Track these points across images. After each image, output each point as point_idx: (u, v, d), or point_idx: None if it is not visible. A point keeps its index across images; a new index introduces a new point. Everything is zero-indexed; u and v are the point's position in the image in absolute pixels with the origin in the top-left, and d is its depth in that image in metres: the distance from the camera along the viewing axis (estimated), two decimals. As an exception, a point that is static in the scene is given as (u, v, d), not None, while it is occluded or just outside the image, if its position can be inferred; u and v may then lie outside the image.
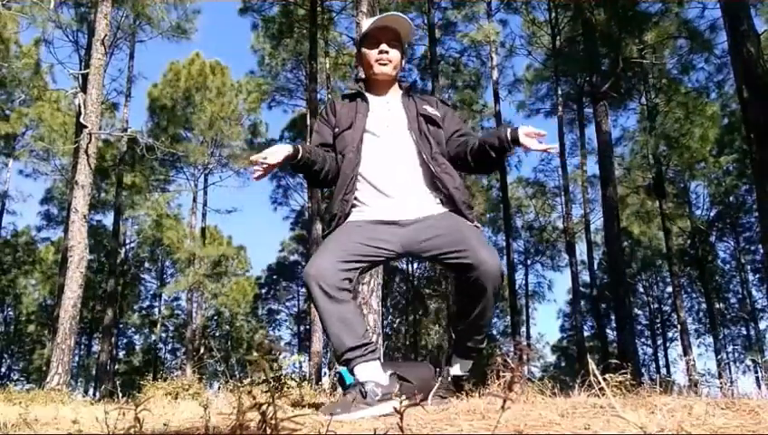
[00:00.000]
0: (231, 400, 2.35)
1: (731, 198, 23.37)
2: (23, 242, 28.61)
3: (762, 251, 21.16)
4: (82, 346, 29.90)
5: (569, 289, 26.31)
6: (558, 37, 18.66)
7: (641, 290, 29.61)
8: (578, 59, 16.73)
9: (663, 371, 27.89)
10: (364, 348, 2.04)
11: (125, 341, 31.73)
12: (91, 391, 23.91)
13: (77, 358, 28.29)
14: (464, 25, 19.48)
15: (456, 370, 2.30)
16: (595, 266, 20.48)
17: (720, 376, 15.07)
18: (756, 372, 24.38)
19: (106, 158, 20.99)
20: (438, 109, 2.44)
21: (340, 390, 2.33)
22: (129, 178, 20.99)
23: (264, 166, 2.21)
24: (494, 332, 31.05)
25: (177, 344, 31.32)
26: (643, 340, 29.73)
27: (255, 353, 1.11)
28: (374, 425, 1.51)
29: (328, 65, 19.06)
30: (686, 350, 19.21)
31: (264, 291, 31.94)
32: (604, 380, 1.53)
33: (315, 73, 15.15)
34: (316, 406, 2.28)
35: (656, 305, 30.25)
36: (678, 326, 20.36)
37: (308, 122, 16.22)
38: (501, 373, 2.24)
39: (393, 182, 2.25)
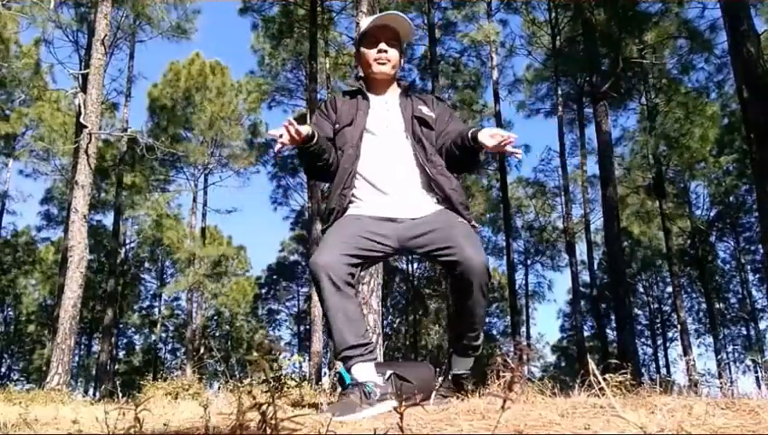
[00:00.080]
0: (231, 400, 2.35)
1: (731, 198, 23.37)
2: (23, 242, 28.61)
3: (762, 251, 21.16)
4: (82, 346, 29.90)
5: (569, 289, 26.34)
6: (558, 37, 18.66)
7: (641, 290, 29.61)
8: (578, 59, 16.73)
9: (663, 371, 27.92)
10: (364, 348, 2.04)
11: (125, 341, 31.75)
12: (91, 391, 23.92)
13: (77, 358, 28.31)
14: (464, 25, 19.50)
15: (456, 368, 2.31)
16: (595, 266, 20.48)
17: (720, 376, 15.07)
18: (756, 372, 24.38)
19: (106, 158, 20.99)
20: (434, 108, 2.44)
21: (340, 389, 2.33)
22: (129, 178, 20.99)
23: (286, 140, 2.14)
24: (494, 332, 31.09)
25: (177, 344, 31.34)
26: (643, 340, 29.74)
27: (255, 353, 1.11)
28: (374, 425, 1.50)
29: (328, 65, 19.05)
30: (686, 350, 19.21)
31: (264, 291, 31.95)
32: (604, 380, 1.53)
33: (315, 73, 15.15)
34: (316, 406, 2.28)
35: (656, 305, 30.26)
36: (678, 326, 20.36)
37: (308, 122, 16.21)
38: (501, 373, 2.24)
39: (391, 181, 2.26)
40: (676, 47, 17.29)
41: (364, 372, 2.00)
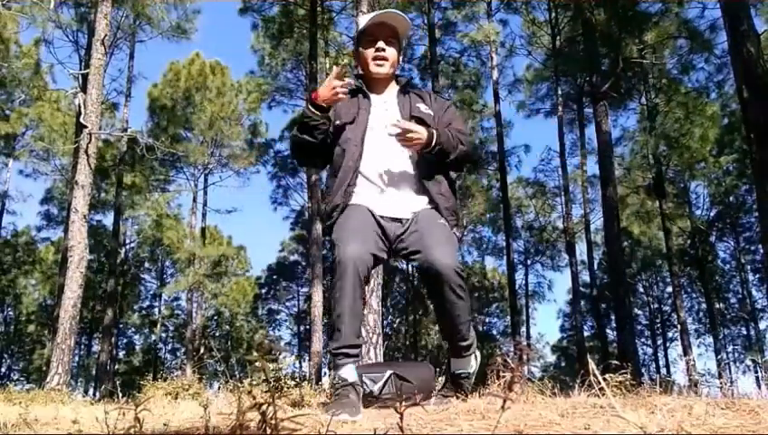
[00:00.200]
0: (231, 400, 2.35)
1: (731, 198, 23.36)
2: (23, 242, 28.61)
3: (762, 251, 21.16)
4: (82, 346, 29.89)
5: (569, 289, 26.32)
6: (558, 37, 18.65)
7: (641, 290, 29.60)
8: (578, 59, 16.72)
9: (663, 371, 27.91)
10: (358, 350, 2.06)
11: (125, 341, 31.74)
12: (91, 391, 23.92)
13: (77, 358, 28.30)
14: (464, 25, 19.49)
15: (454, 368, 2.33)
16: (595, 266, 20.47)
17: (720, 376, 15.08)
18: (756, 372, 24.38)
19: (106, 158, 20.98)
20: (433, 105, 2.44)
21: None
22: (129, 178, 20.98)
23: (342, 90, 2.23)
24: (494, 332, 31.09)
25: (177, 344, 31.33)
26: (643, 340, 29.73)
27: (255, 353, 1.11)
28: (374, 425, 1.50)
29: (328, 65, 19.03)
30: (686, 350, 19.21)
31: (264, 291, 31.94)
32: (604, 380, 1.53)
33: (315, 73, 15.14)
34: (316, 406, 2.28)
35: (656, 305, 30.25)
36: (678, 326, 20.35)
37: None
38: (501, 373, 2.25)
39: (387, 181, 2.29)
40: (676, 47, 17.28)
41: (353, 374, 2.01)
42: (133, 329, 31.43)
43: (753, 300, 27.07)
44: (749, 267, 26.34)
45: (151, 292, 30.52)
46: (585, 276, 24.12)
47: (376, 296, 5.36)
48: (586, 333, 23.14)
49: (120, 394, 3.11)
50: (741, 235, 25.10)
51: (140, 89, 45.32)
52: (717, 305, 26.48)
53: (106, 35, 10.69)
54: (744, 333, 28.48)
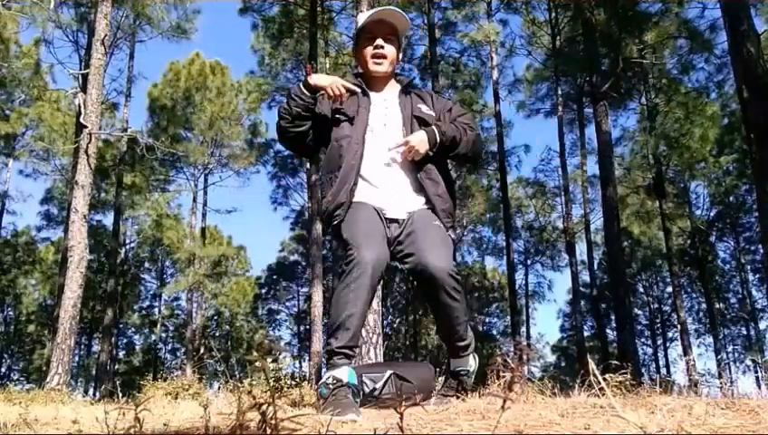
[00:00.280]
0: (231, 400, 2.35)
1: (731, 198, 23.36)
2: (23, 242, 28.61)
3: (762, 251, 21.16)
4: (82, 346, 29.90)
5: (569, 289, 26.32)
6: (558, 37, 18.65)
7: (641, 290, 29.60)
8: (578, 59, 16.72)
9: (663, 371, 27.91)
10: (354, 352, 2.06)
11: (125, 341, 31.74)
12: (91, 391, 23.92)
13: (77, 358, 28.30)
14: (464, 25, 19.48)
15: (453, 367, 2.34)
16: (595, 266, 20.47)
17: (720, 376, 15.08)
18: (756, 372, 24.39)
19: (106, 158, 20.98)
20: (434, 105, 2.44)
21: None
22: (129, 178, 20.99)
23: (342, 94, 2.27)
24: (494, 332, 31.09)
25: (177, 344, 31.33)
26: (643, 340, 29.74)
27: (255, 353, 1.11)
28: (374, 425, 1.50)
29: (328, 65, 19.03)
30: (686, 350, 19.21)
31: (264, 291, 31.94)
32: (604, 380, 1.53)
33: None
34: (316, 406, 2.28)
35: (656, 305, 30.25)
36: (678, 326, 20.35)
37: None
38: (501, 373, 2.24)
39: (386, 180, 2.28)
40: (676, 47, 17.28)
41: (347, 376, 2.00)
42: (133, 329, 31.44)
43: (753, 300, 27.10)
44: (749, 267, 26.36)
45: (151, 292, 30.55)
46: (585, 276, 24.15)
47: (376, 296, 5.37)
48: (586, 333, 23.15)
49: (120, 394, 3.11)
50: (741, 235, 25.11)
51: (140, 89, 45.37)
52: (717, 305, 26.48)
53: (106, 35, 10.69)
54: (744, 333, 28.50)
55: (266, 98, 21.47)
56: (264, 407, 1.08)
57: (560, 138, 19.34)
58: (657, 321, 30.12)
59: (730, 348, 29.06)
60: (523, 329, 26.53)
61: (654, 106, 18.69)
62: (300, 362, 28.19)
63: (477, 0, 19.01)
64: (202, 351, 20.27)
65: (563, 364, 33.34)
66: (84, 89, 10.51)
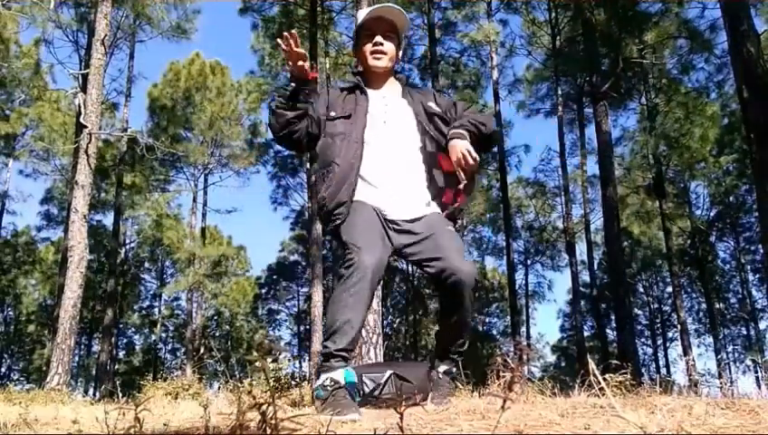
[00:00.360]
0: (231, 400, 2.35)
1: (731, 198, 23.37)
2: (23, 242, 28.61)
3: (762, 251, 21.16)
4: (82, 346, 29.90)
5: (569, 289, 26.33)
6: (558, 37, 18.65)
7: (641, 290, 29.60)
8: (578, 59, 16.72)
9: (663, 371, 27.90)
10: (351, 354, 2.05)
11: (125, 341, 31.75)
12: (91, 391, 23.92)
13: (77, 358, 28.30)
14: (464, 25, 19.47)
15: (440, 368, 2.31)
16: (595, 266, 20.47)
17: (720, 376, 15.08)
18: (756, 372, 24.40)
19: (106, 158, 20.98)
20: (438, 101, 2.44)
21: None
22: (129, 178, 20.99)
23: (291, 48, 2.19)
24: (494, 332, 31.09)
25: (177, 344, 31.33)
26: (643, 340, 29.74)
27: (255, 353, 1.11)
28: (374, 425, 1.50)
29: (328, 65, 19.04)
30: (686, 350, 19.21)
31: (264, 291, 31.94)
32: (604, 380, 1.53)
33: (315, 73, 15.14)
34: (316, 407, 2.28)
35: (656, 305, 30.25)
36: (678, 326, 20.36)
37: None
38: (501, 373, 2.24)
39: (386, 180, 2.25)
40: (676, 47, 17.28)
41: (343, 378, 2.00)
42: (133, 329, 31.44)
43: (753, 300, 27.11)
44: (749, 267, 26.36)
45: (151, 292, 30.55)
46: (585, 276, 24.15)
47: (376, 296, 5.36)
48: (586, 333, 23.15)
49: (120, 394, 3.11)
50: (741, 235, 25.11)
51: (140, 89, 45.35)
52: (717, 305, 26.48)
53: (106, 35, 10.69)
54: (744, 333, 28.50)
55: (266, 98, 21.47)
56: (264, 407, 1.08)
57: (560, 138, 19.35)
58: (657, 321, 30.12)
59: (730, 348, 29.09)
60: (523, 329, 26.53)
61: (654, 106, 18.69)
62: (300, 362, 28.20)
63: (477, 0, 19.02)
64: (202, 351, 20.27)
65: (563, 364, 33.34)
66: (84, 89, 10.51)
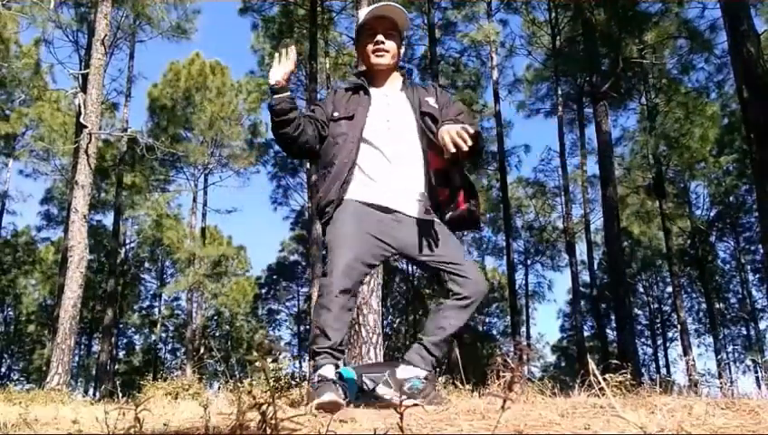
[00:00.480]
0: (231, 400, 2.35)
1: (731, 198, 23.36)
2: (23, 242, 28.61)
3: (762, 251, 21.16)
4: (82, 346, 29.90)
5: (569, 289, 26.32)
6: (558, 37, 18.65)
7: (641, 290, 29.60)
8: (578, 59, 16.73)
9: (663, 371, 27.90)
10: (342, 356, 2.09)
11: (125, 341, 31.74)
12: (91, 391, 23.92)
13: (77, 358, 28.30)
14: (464, 25, 19.48)
15: (401, 373, 2.15)
16: (595, 266, 20.48)
17: (720, 376, 15.06)
18: (756, 372, 24.38)
19: (106, 158, 20.98)
20: (439, 98, 2.44)
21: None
22: (129, 178, 20.99)
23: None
24: (494, 332, 31.09)
25: (177, 344, 31.33)
26: (643, 340, 29.73)
27: (255, 353, 1.11)
28: (374, 425, 1.50)
29: (328, 65, 19.05)
30: (686, 350, 19.21)
31: (264, 291, 31.94)
32: (604, 380, 1.53)
33: (315, 73, 15.14)
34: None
35: (656, 305, 30.25)
36: (678, 326, 20.36)
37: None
38: (501, 373, 2.24)
39: (386, 175, 2.27)
40: (676, 47, 17.29)
41: (333, 374, 2.03)
42: (133, 329, 31.44)
43: (753, 300, 27.10)
44: (749, 267, 26.35)
45: (151, 292, 30.55)
46: (585, 276, 24.15)
47: (376, 296, 5.36)
48: (586, 333, 23.15)
49: (120, 394, 3.11)
50: (741, 235, 25.10)
51: (140, 89, 45.38)
52: (717, 305, 26.48)
53: (106, 35, 10.69)
54: (744, 333, 28.49)
55: (266, 98, 21.30)
56: (264, 407, 1.08)
57: (560, 138, 19.36)
58: (657, 321, 30.12)
59: (730, 348, 29.08)
60: (523, 329, 26.53)
61: (654, 106, 18.69)
62: (300, 362, 28.19)
63: (477, 0, 19.01)
64: (202, 351, 20.27)
65: (563, 364, 33.34)
66: (84, 89, 10.52)
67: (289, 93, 2.29)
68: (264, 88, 21.22)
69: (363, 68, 2.53)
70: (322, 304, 2.07)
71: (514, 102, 21.45)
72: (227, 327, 31.62)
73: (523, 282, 27.19)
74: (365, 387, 2.22)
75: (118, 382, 18.22)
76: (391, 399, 2.08)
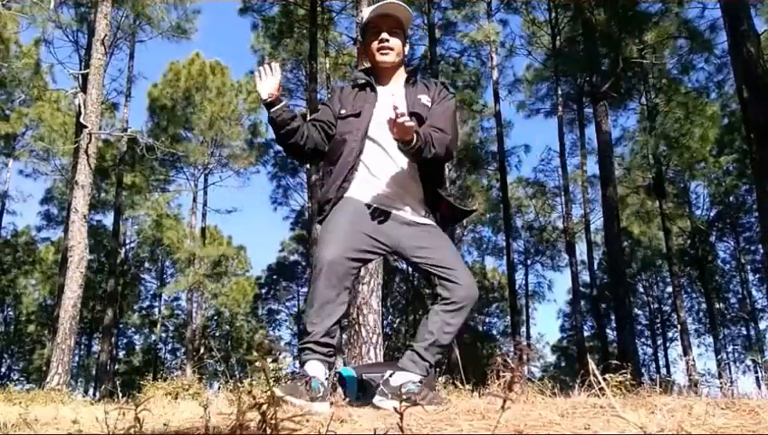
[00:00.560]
0: (231, 400, 2.35)
1: (731, 198, 23.36)
2: (23, 242, 28.61)
3: (762, 251, 21.16)
4: (82, 346, 29.89)
5: (569, 289, 26.32)
6: (558, 37, 18.65)
7: (641, 290, 29.59)
8: (578, 59, 16.73)
9: (663, 371, 27.89)
10: (328, 349, 2.09)
11: (125, 341, 31.74)
12: (91, 391, 23.91)
13: (77, 358, 28.30)
14: (464, 25, 19.47)
15: (396, 380, 2.13)
16: (595, 266, 20.47)
17: (720, 376, 15.07)
18: (756, 372, 24.39)
19: (106, 158, 20.98)
20: (435, 96, 2.43)
21: (340, 390, 2.33)
22: (129, 178, 20.99)
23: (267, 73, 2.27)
24: (494, 332, 31.09)
25: (177, 344, 31.32)
26: (643, 340, 29.73)
27: (255, 353, 1.11)
28: (374, 425, 1.50)
29: (328, 65, 19.05)
30: (686, 350, 19.21)
31: (264, 291, 31.93)
32: (604, 380, 1.53)
33: (315, 73, 15.15)
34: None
35: (656, 305, 30.24)
36: (678, 326, 20.36)
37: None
38: (501, 373, 2.24)
39: (388, 173, 2.28)
40: (676, 47, 17.29)
41: (317, 370, 2.04)
42: (133, 329, 31.44)
43: (753, 300, 27.09)
44: (749, 267, 26.35)
45: (151, 292, 30.55)
46: (585, 276, 24.14)
47: (376, 296, 5.36)
48: (586, 333, 23.15)
49: (120, 394, 3.11)
50: (741, 235, 25.10)
51: (140, 89, 45.31)
52: (717, 305, 26.47)
53: (106, 35, 10.69)
54: (744, 333, 28.49)
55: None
56: (264, 407, 1.08)
57: (560, 138, 19.35)
58: (657, 321, 30.12)
59: (730, 348, 29.07)
60: (523, 329, 26.53)
61: (654, 106, 18.69)
62: (300, 362, 28.15)
63: (477, 0, 19.01)
64: (202, 351, 20.28)
65: (563, 364, 33.33)
66: (84, 89, 10.52)
67: (284, 103, 2.29)
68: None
69: (368, 65, 2.53)
70: (307, 300, 2.13)
71: (514, 102, 21.47)
72: (227, 327, 31.62)
73: (523, 282, 27.22)
74: (366, 386, 2.23)
75: (118, 382, 18.22)
76: (390, 408, 2.02)
